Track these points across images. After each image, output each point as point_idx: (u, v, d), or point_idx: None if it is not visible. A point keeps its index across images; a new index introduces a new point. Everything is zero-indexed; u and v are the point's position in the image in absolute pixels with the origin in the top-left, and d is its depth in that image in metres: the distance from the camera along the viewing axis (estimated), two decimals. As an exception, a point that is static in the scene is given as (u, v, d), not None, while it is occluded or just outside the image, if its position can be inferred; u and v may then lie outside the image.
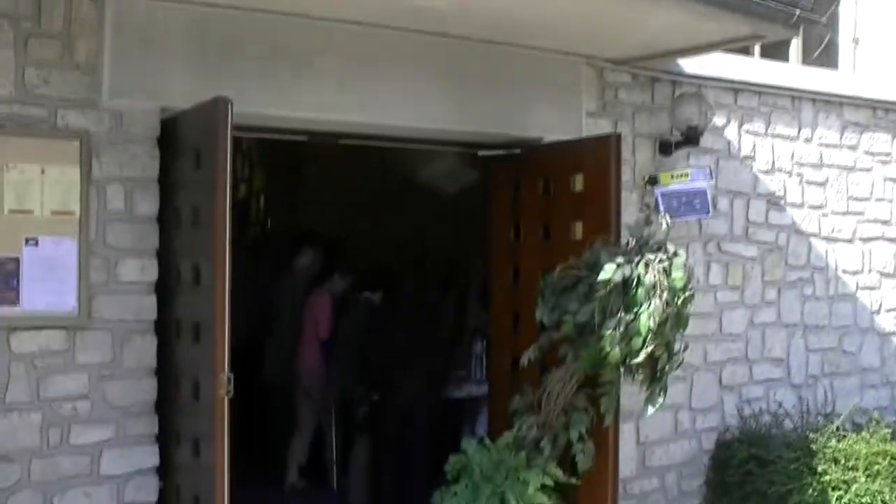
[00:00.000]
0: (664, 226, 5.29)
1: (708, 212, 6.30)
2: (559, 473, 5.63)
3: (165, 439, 5.17)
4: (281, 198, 15.86)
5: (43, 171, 4.85)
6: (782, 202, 7.46)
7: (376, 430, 7.25)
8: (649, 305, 4.86)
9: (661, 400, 5.25)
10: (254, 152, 16.80)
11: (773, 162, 7.38)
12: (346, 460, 7.60)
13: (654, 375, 5.15)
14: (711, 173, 6.43)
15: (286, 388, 8.37)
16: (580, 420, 5.42)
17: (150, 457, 5.13)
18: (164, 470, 5.18)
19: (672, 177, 6.47)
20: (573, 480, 5.66)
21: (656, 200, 6.35)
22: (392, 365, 6.98)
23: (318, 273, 8.57)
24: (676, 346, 5.15)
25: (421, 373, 7.02)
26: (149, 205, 5.11)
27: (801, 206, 7.56)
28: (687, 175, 6.43)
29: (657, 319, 4.83)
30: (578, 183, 5.97)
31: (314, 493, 7.97)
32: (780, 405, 7.24)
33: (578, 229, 5.95)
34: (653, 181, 6.54)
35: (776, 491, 6.32)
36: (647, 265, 4.94)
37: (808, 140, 7.61)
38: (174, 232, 5.12)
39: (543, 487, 5.61)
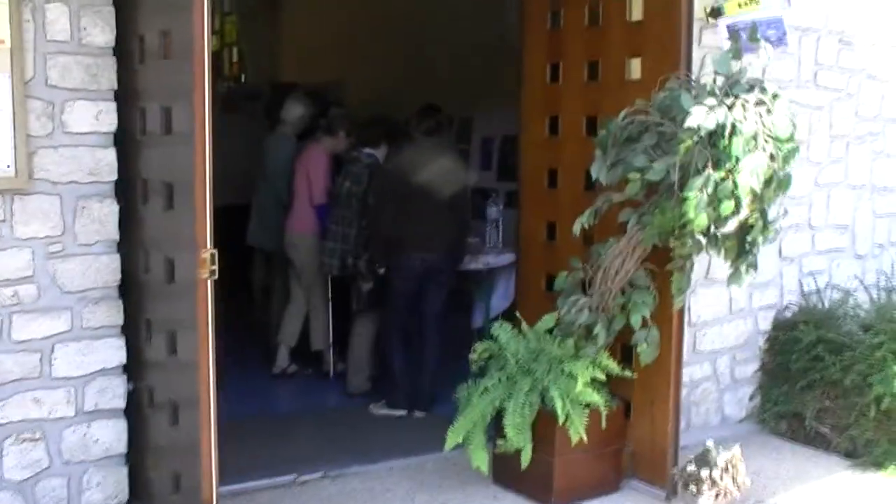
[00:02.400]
0: (764, 56, 4.19)
1: (786, 44, 5.17)
2: (613, 365, 4.69)
3: (133, 331, 4.16)
4: (258, 48, 14.69)
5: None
6: (854, 41, 6.34)
7: (380, 309, 6.26)
8: (749, 160, 3.80)
9: (747, 277, 4.26)
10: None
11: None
12: (345, 344, 6.63)
13: (743, 248, 4.14)
14: (788, -1, 5.30)
15: (274, 259, 7.38)
16: (645, 301, 4.43)
17: (114, 352, 4.14)
18: (133, 368, 4.19)
19: (740, 5, 5.32)
20: (628, 373, 4.72)
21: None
22: (399, 232, 5.94)
23: (310, 127, 7.46)
24: (772, 213, 4.12)
25: (433, 240, 5.99)
26: (101, 31, 3.96)
27: (873, 44, 6.45)
28: (756, 1, 5.29)
29: (761, 178, 3.79)
30: (636, 9, 4.83)
31: (307, 379, 7.02)
32: (857, 279, 6.27)
33: (635, 67, 4.85)
34: (715, 13, 5.37)
35: (853, 381, 5.38)
36: (744, 108, 3.87)
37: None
38: (137, 67, 4.00)
39: (592, 381, 4.68)
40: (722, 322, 5.90)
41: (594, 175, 4.36)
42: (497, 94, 8.72)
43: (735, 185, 3.85)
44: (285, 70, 13.79)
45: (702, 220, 3.92)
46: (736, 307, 5.96)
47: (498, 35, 9.01)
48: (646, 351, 4.49)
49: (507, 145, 8.60)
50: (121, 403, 4.18)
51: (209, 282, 3.53)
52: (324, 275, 6.70)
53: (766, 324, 6.11)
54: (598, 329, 4.52)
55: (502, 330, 4.95)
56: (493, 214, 6.96)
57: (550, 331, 4.87)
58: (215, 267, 3.53)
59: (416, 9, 9.81)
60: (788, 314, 6.11)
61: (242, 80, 15.23)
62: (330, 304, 6.89)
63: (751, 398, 6.09)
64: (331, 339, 6.94)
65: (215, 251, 3.53)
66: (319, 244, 6.65)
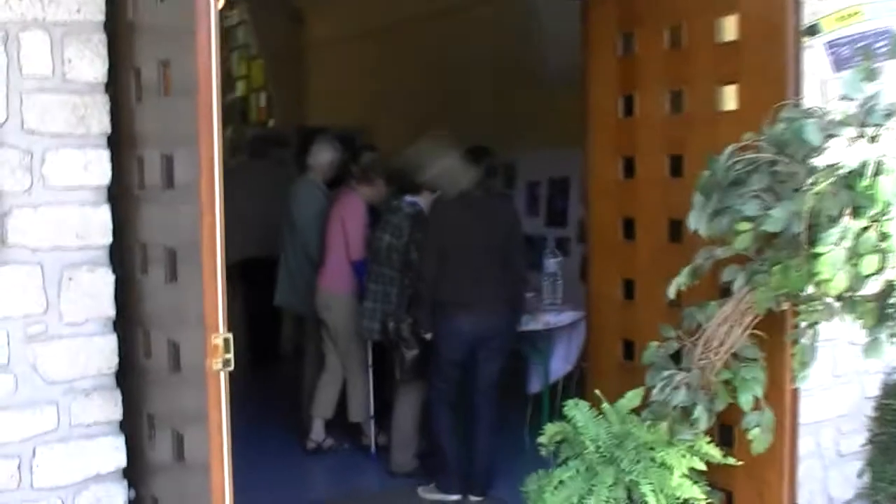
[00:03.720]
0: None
1: (896, 56, 4.38)
2: (715, 453, 3.88)
3: (134, 428, 3.41)
4: (286, 92, 14.35)
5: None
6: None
7: (426, 378, 5.48)
8: (900, 205, 3.02)
9: (886, 345, 3.44)
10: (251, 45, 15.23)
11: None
12: (387, 415, 5.85)
13: (884, 312, 3.33)
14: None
15: (306, 321, 6.63)
16: (756, 378, 3.63)
17: (111, 454, 3.38)
18: (135, 473, 3.43)
19: (840, 18, 4.55)
20: (731, 461, 3.91)
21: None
22: (447, 292, 5.18)
23: (340, 175, 6.75)
24: (920, 268, 3.32)
25: (485, 300, 5.21)
26: (91, 63, 3.25)
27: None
28: (859, 13, 4.52)
29: (919, 228, 3.00)
30: (729, 27, 4.06)
31: (345, 455, 6.23)
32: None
33: (729, 97, 4.08)
34: (811, 31, 4.59)
35: None
36: (891, 142, 3.08)
37: None
38: (134, 106, 3.28)
39: (690, 472, 3.87)
40: (823, 389, 5.07)
41: (692, 225, 3.58)
42: (540, 134, 8.13)
43: (883, 236, 3.05)
44: (313, 114, 13.49)
45: (839, 280, 3.12)
46: (839, 370, 5.13)
47: (538, 68, 8.46)
48: (759, 437, 3.67)
49: (555, 188, 7.95)
50: (120, 516, 3.42)
51: (222, 374, 2.77)
52: (362, 339, 5.93)
53: (872, 389, 5.27)
54: (699, 411, 3.71)
55: (578, 409, 4.14)
56: (551, 267, 6.20)
57: (635, 411, 4.08)
58: (230, 355, 2.78)
59: (447, 46, 9.32)
60: (899, 377, 5.28)
61: (270, 125, 14.88)
62: (370, 370, 6.11)
63: (859, 475, 5.23)
64: (371, 410, 6.15)
65: (230, 336, 2.78)
66: (357, 305, 5.90)
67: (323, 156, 6.55)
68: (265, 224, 7.17)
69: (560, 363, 6.20)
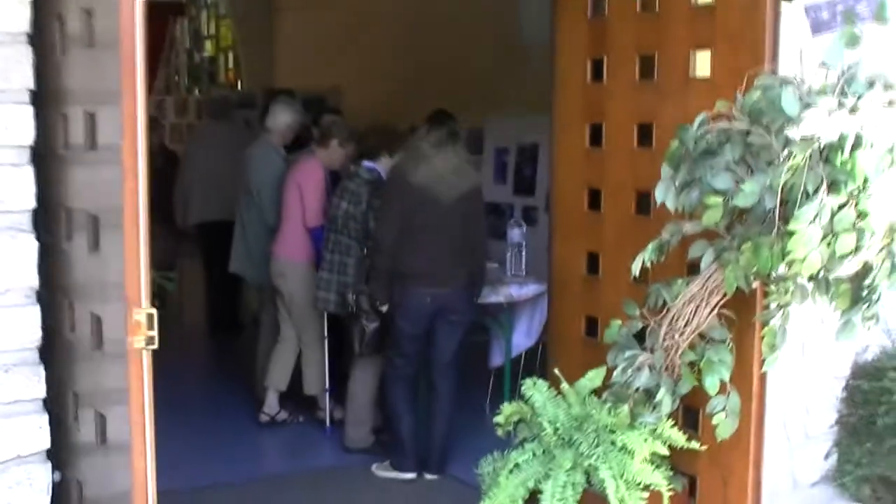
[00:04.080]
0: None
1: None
2: (679, 437, 3.71)
3: (60, 406, 3.18)
4: (255, 53, 14.10)
5: None
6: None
7: (383, 351, 5.27)
8: (883, 180, 2.82)
9: (861, 328, 3.26)
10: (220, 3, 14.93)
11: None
12: (344, 388, 5.64)
13: (859, 294, 3.15)
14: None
15: (263, 291, 6.41)
16: (722, 360, 3.44)
17: (34, 434, 3.14)
18: (60, 454, 3.21)
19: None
20: (696, 446, 3.74)
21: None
22: (405, 263, 4.96)
23: (303, 139, 6.51)
24: (897, 247, 3.13)
25: (445, 272, 5.00)
26: (13, 11, 2.98)
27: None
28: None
29: (900, 206, 2.81)
30: (703, -10, 3.85)
31: (300, 429, 6.03)
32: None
33: (702, 63, 3.86)
34: (788, -9, 4.39)
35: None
36: (870, 112, 2.87)
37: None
38: (59, 59, 3.02)
39: (652, 456, 3.70)
40: (792, 367, 4.90)
41: (659, 198, 3.38)
42: (510, 99, 7.92)
43: (861, 214, 2.86)
44: (282, 76, 13.22)
45: (813, 260, 2.93)
46: (807, 349, 4.96)
47: (510, 32, 8.24)
48: (724, 423, 3.50)
49: (523, 155, 7.73)
50: (44, 500, 3.19)
51: (145, 353, 2.55)
52: (319, 309, 5.70)
53: (843, 370, 5.11)
54: (662, 394, 3.53)
55: (536, 389, 3.96)
56: (516, 237, 5.98)
57: (597, 392, 3.90)
58: (154, 332, 2.55)
59: (419, 8, 9.06)
60: (869, 357, 5.11)
61: (239, 86, 14.59)
62: (326, 342, 5.90)
63: (826, 457, 5.08)
64: (327, 384, 5.94)
65: (153, 311, 2.55)
66: (314, 274, 5.67)
67: (281, 118, 6.29)
68: (227, 187, 6.94)
69: (522, 338, 6.01)
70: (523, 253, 5.97)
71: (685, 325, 3.45)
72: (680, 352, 3.50)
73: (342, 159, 5.79)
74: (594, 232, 4.29)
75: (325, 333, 5.85)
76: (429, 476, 5.15)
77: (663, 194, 3.36)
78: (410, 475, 5.14)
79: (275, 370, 6.04)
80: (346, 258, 5.41)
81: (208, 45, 16.42)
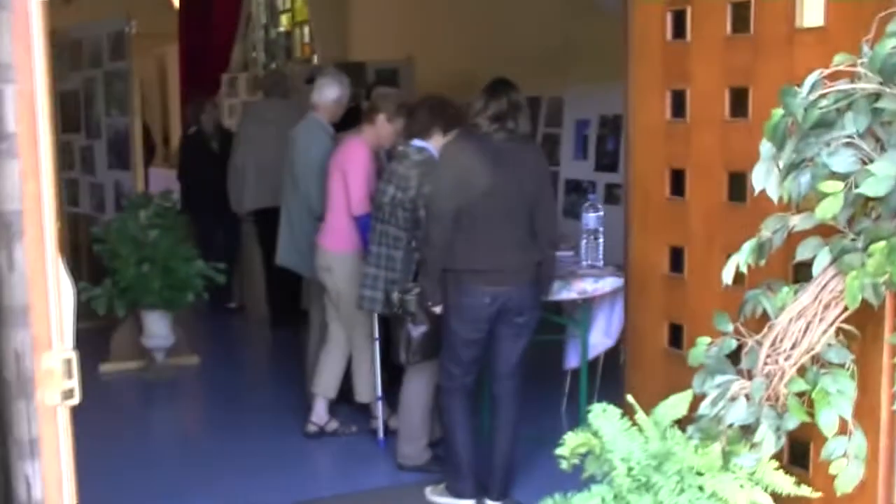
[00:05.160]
0: None
1: None
2: (786, 483, 2.94)
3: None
4: (328, 26, 13.70)
5: None
6: None
7: (437, 357, 4.59)
8: None
9: None
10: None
11: None
12: (397, 396, 5.00)
13: None
14: None
15: (311, 285, 5.81)
16: (842, 390, 2.66)
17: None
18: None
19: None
20: (808, 492, 2.97)
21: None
22: (460, 257, 4.27)
23: (351, 116, 5.86)
24: None
25: (506, 268, 4.29)
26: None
27: None
28: None
29: None
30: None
31: (351, 441, 5.40)
32: None
33: (812, 9, 3.06)
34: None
35: None
36: None
37: None
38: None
39: (751, 505, 2.95)
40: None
41: (758, 183, 2.61)
42: (591, 67, 7.25)
43: None
44: (356, 49, 12.80)
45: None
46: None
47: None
48: (846, 472, 2.72)
49: (606, 128, 7.04)
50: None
51: (60, 410, 1.90)
52: (365, 310, 5.05)
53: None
54: (763, 432, 2.77)
55: (605, 417, 3.23)
56: (592, 223, 5.22)
57: (680, 422, 3.15)
58: (73, 383, 1.91)
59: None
60: None
61: (314, 61, 14.20)
62: (377, 343, 5.24)
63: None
64: (379, 390, 5.29)
65: (72, 355, 1.91)
66: (362, 267, 5.02)
67: (328, 92, 5.65)
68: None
69: (600, 337, 5.28)
70: (600, 240, 5.22)
71: (793, 347, 2.68)
72: (786, 379, 2.74)
73: (390, 137, 5.11)
74: (678, 222, 3.53)
75: (377, 334, 5.20)
76: (489, 502, 4.47)
77: (763, 179, 2.59)
78: (469, 502, 4.47)
79: (322, 375, 5.42)
80: (394, 251, 4.75)
81: (284, 20, 16.02)
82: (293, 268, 5.91)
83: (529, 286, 4.35)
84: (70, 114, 7.82)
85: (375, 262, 4.81)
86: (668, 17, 3.51)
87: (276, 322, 7.92)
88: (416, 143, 4.73)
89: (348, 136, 5.24)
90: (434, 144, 4.69)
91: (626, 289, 3.92)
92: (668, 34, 3.55)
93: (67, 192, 8.07)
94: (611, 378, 5.11)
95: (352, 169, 5.05)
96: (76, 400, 1.93)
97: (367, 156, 5.08)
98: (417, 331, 4.52)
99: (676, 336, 3.65)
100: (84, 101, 7.54)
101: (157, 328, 6.64)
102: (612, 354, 5.37)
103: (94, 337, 7.22)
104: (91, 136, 7.48)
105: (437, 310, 4.40)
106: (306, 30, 14.85)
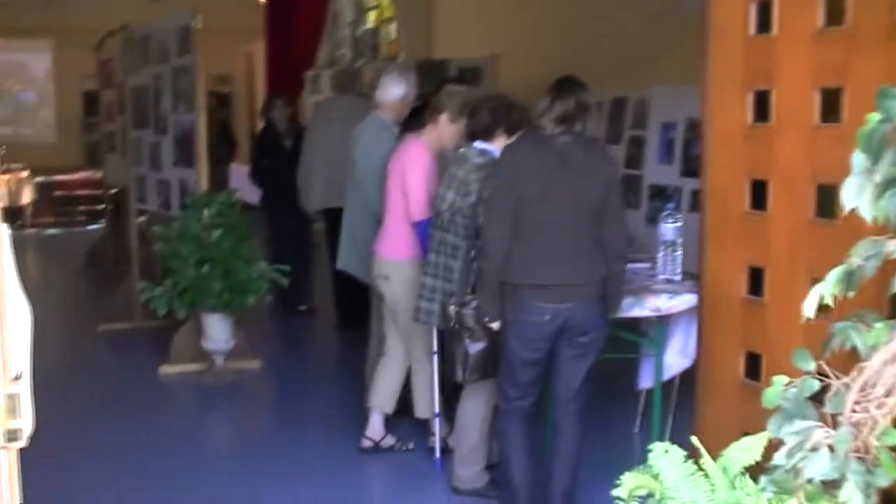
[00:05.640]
0: None
1: None
2: (875, 549, 2.54)
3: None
4: (414, 22, 13.61)
5: None
6: None
7: (493, 376, 4.26)
8: None
9: None
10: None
11: None
12: (453, 412, 4.68)
13: None
14: None
15: (371, 293, 5.52)
16: (946, 446, 2.26)
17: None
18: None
19: None
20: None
21: None
22: (519, 270, 3.93)
23: (415, 115, 5.56)
24: None
25: (570, 282, 3.93)
26: None
27: None
28: None
29: None
30: None
31: (407, 458, 5.10)
32: None
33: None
34: None
35: None
36: None
37: None
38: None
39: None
40: None
41: (849, 200, 2.22)
42: (679, 66, 6.89)
43: None
44: (441, 46, 12.67)
45: None
46: None
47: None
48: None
49: (694, 131, 6.67)
50: None
51: (4, 452, 1.63)
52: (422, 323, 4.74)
53: None
54: (850, 489, 2.38)
55: (668, 460, 2.87)
56: (669, 234, 4.81)
57: (753, 469, 2.77)
58: (18, 423, 1.63)
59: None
60: None
61: (399, 58, 14.09)
62: (436, 357, 4.93)
63: None
64: (437, 406, 4.98)
65: (19, 390, 1.63)
66: (418, 277, 4.72)
67: (392, 90, 5.36)
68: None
69: (676, 356, 4.87)
70: (678, 252, 4.81)
71: (887, 394, 2.29)
72: (878, 430, 2.34)
73: (454, 138, 4.78)
74: (758, 239, 3.15)
75: (435, 348, 4.89)
76: (547, 534, 4.13)
77: (855, 195, 2.20)
78: (526, 535, 4.13)
79: (379, 389, 5.14)
80: (452, 261, 4.43)
81: (371, 16, 15.91)
82: (354, 273, 5.65)
83: (595, 303, 3.99)
84: (141, 109, 7.70)
85: (433, 272, 4.50)
86: (752, 9, 3.14)
87: (344, 325, 7.67)
88: (478, 145, 4.40)
89: (409, 137, 4.93)
90: (497, 147, 4.35)
91: (699, 309, 3.54)
92: (751, 28, 3.17)
93: (137, 188, 7.96)
94: (687, 399, 4.72)
95: (411, 171, 4.75)
96: (23, 443, 1.65)
97: (427, 158, 4.78)
98: (475, 347, 4.20)
99: (754, 365, 3.27)
100: (153, 97, 7.39)
101: (217, 331, 6.44)
102: (690, 373, 4.98)
103: (157, 337, 7.10)
104: (159, 132, 7.33)
105: (495, 326, 4.06)
106: (393, 27, 14.72)
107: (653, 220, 6.86)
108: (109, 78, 9.24)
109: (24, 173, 14.48)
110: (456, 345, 4.25)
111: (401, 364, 5.10)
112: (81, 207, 14.86)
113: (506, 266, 3.93)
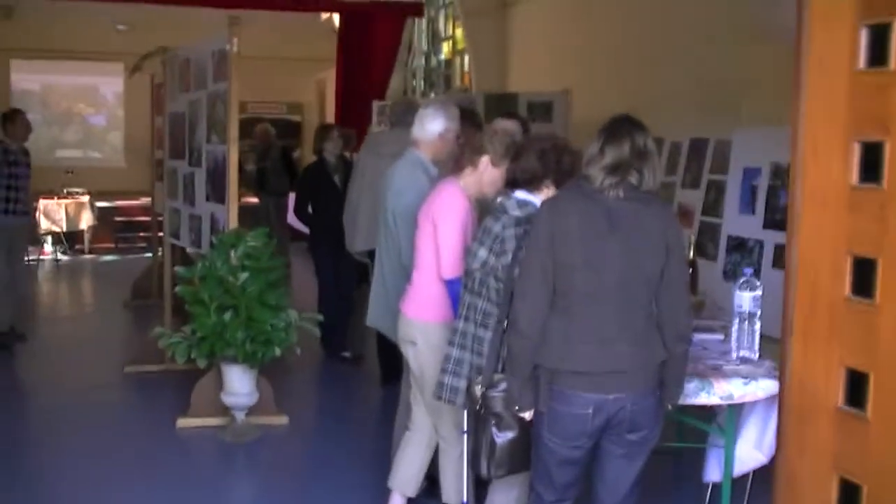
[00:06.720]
0: None
1: None
2: None
3: None
4: (487, 55, 13.21)
5: None
6: None
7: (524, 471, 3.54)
8: None
9: None
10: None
11: None
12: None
13: None
14: None
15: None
16: None
17: None
18: None
19: None
20: None
21: None
22: (559, 350, 3.22)
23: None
24: None
25: (618, 368, 3.21)
26: None
27: None
28: None
29: None
30: None
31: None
32: None
33: None
34: None
35: None
36: None
37: None
38: None
39: None
40: None
41: None
42: (765, 105, 6.26)
43: None
44: (513, 80, 12.22)
45: None
46: None
47: (762, 20, 6.65)
48: None
49: (779, 178, 5.95)
50: None
51: None
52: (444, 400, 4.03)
53: None
54: None
55: None
56: (745, 304, 4.04)
57: None
58: None
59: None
60: None
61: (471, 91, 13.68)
62: (467, 437, 4.22)
63: None
64: (465, 494, 4.26)
65: None
66: (446, 339, 4.01)
67: (431, 126, 4.68)
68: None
69: (749, 450, 4.10)
70: (756, 326, 4.04)
71: None
72: None
73: (496, 184, 4.08)
74: (861, 334, 2.40)
75: (466, 427, 4.18)
76: None
77: None
78: None
79: (401, 468, 4.45)
80: (483, 330, 3.72)
81: (445, 48, 15.46)
82: (384, 331, 4.96)
83: (648, 393, 3.26)
84: (177, 138, 7.18)
85: (461, 343, 3.79)
86: (862, 35, 2.40)
87: (387, 378, 6.98)
88: (519, 195, 3.70)
89: (445, 181, 4.25)
90: (543, 199, 3.65)
91: (779, 417, 2.78)
92: (861, 61, 2.43)
93: (171, 222, 7.43)
94: (763, 498, 3.96)
95: (444, 221, 4.06)
96: None
97: (464, 206, 4.08)
98: (503, 437, 3.49)
99: (850, 496, 2.51)
100: (188, 125, 6.86)
101: (238, 384, 5.83)
102: (767, 469, 4.19)
103: (183, 383, 6.50)
104: (193, 163, 6.78)
105: (527, 416, 3.36)
106: (467, 59, 14.26)
107: (730, 275, 6.11)
108: (161, 103, 8.79)
109: (85, 198, 14.21)
110: (481, 432, 3.55)
111: (427, 441, 4.41)
112: (141, 234, 14.50)
113: (541, 345, 3.23)
